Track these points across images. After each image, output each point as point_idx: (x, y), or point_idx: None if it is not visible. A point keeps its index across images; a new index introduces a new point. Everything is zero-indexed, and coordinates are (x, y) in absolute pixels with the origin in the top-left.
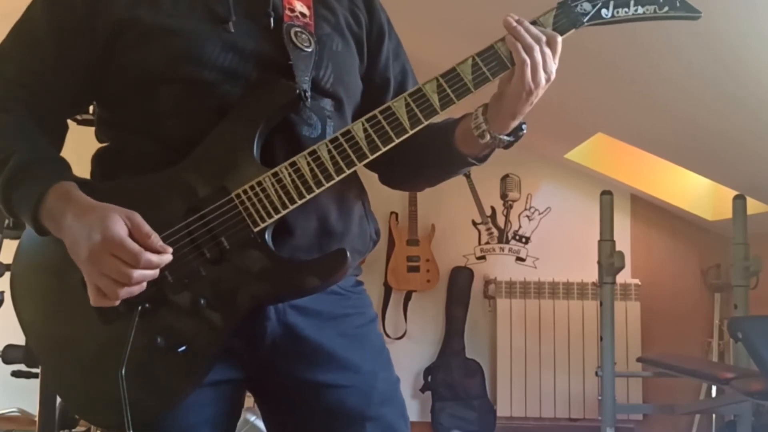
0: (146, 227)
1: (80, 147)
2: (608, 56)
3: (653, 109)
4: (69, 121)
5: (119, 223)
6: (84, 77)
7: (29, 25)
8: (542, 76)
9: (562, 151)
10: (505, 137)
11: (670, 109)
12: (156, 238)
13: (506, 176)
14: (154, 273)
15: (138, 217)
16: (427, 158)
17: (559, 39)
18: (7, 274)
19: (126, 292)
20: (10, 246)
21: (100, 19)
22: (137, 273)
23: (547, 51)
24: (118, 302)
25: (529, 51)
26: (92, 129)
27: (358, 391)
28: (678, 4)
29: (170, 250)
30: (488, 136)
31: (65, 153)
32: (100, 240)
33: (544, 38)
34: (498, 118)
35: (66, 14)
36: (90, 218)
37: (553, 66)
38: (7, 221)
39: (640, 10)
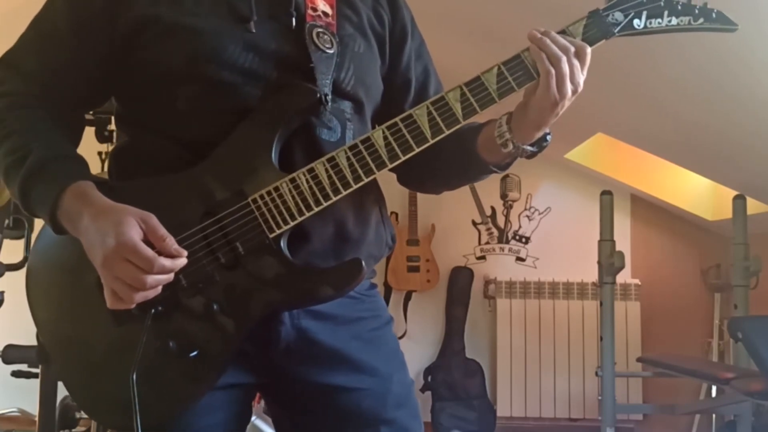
0: (161, 230)
1: (82, 147)
2: (609, 56)
3: (653, 109)
4: None
5: (133, 226)
6: (102, 73)
7: (48, 19)
8: (569, 87)
9: (562, 151)
10: (529, 147)
11: (671, 109)
12: (171, 242)
13: (506, 176)
14: (168, 277)
15: (153, 219)
16: (447, 162)
17: (588, 50)
18: (8, 274)
19: (141, 296)
20: (10, 246)
21: (120, 14)
22: (151, 278)
23: (575, 62)
24: (133, 306)
25: (555, 61)
26: (92, 129)
27: (374, 394)
28: (714, 16)
29: (185, 253)
30: (511, 146)
31: None
32: (114, 245)
33: (572, 49)
34: (522, 127)
35: (85, 9)
36: (105, 221)
37: (581, 77)
38: (7, 221)
39: (674, 21)
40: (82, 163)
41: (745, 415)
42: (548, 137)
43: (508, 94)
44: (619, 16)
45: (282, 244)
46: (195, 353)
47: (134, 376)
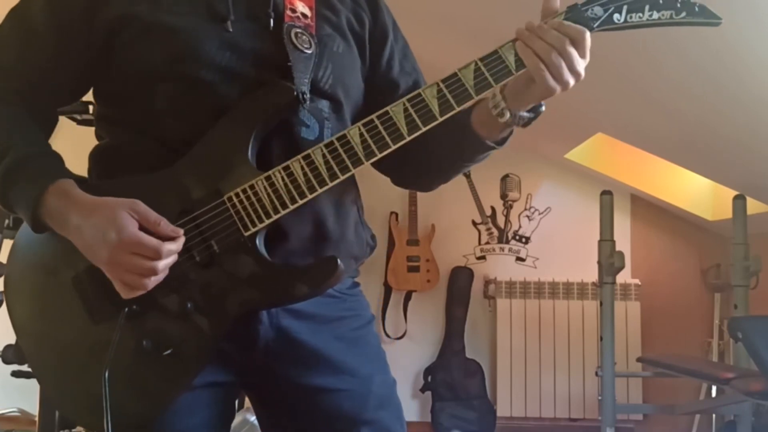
0: (152, 214)
1: (80, 147)
2: (608, 56)
3: (653, 109)
4: (69, 121)
5: (129, 219)
6: (81, 72)
7: (27, 16)
8: (568, 77)
9: (562, 151)
10: (526, 114)
11: (671, 108)
12: (165, 224)
13: (506, 176)
14: (175, 258)
15: (141, 206)
16: (440, 151)
17: (586, 35)
18: None
19: (154, 281)
20: (10, 246)
21: (99, 13)
22: (161, 264)
23: (571, 51)
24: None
25: (544, 55)
26: (92, 129)
27: (355, 395)
28: (697, 10)
29: (181, 231)
30: (508, 114)
31: (65, 153)
32: (117, 242)
33: (565, 39)
34: (518, 99)
35: (65, 7)
36: (98, 218)
37: (579, 64)
38: (7, 221)
39: (656, 15)
40: (60, 159)
41: (745, 415)
42: (542, 102)
43: (485, 90)
44: (598, 10)
45: (258, 242)
46: (168, 352)
47: (106, 375)
